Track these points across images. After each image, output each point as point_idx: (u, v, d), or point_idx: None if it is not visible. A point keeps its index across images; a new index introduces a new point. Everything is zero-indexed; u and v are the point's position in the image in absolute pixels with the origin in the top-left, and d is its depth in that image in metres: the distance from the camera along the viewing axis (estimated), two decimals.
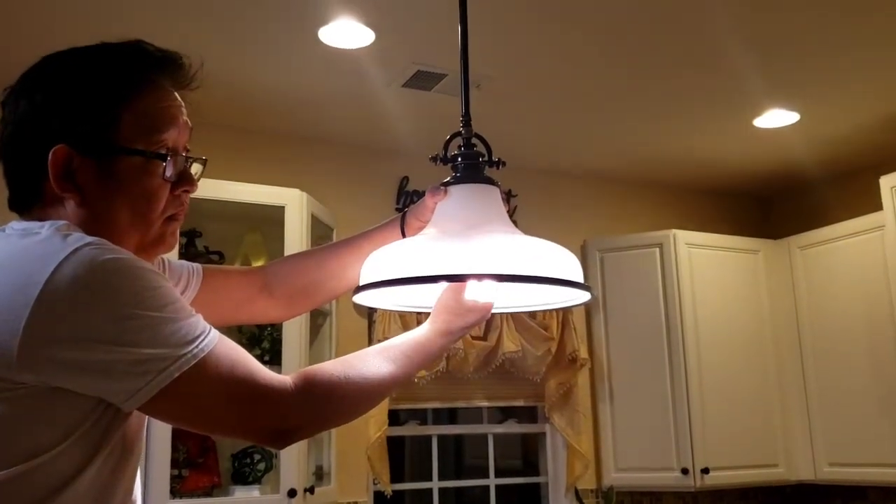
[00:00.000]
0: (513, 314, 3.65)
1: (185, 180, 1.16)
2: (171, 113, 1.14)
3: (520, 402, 3.84)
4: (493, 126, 3.51)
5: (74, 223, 1.07)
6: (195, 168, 1.19)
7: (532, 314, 3.70)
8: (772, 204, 4.71)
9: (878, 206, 3.64)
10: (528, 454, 4.14)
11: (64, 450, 0.97)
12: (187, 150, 1.17)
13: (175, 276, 1.39)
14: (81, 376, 0.96)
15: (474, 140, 1.39)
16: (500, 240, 1.28)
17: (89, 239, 0.99)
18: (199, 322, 1.03)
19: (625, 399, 3.88)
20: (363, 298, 1.34)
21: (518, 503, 4.00)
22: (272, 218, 3.16)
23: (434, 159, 1.39)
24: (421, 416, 3.76)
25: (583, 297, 1.30)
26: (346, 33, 2.70)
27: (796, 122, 3.57)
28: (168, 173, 1.11)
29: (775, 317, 4.07)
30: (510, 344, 3.61)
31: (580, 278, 1.26)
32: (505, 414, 3.96)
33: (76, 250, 0.97)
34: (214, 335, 1.04)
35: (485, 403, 3.77)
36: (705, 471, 3.69)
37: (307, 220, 3.17)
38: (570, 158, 4.00)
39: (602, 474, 3.87)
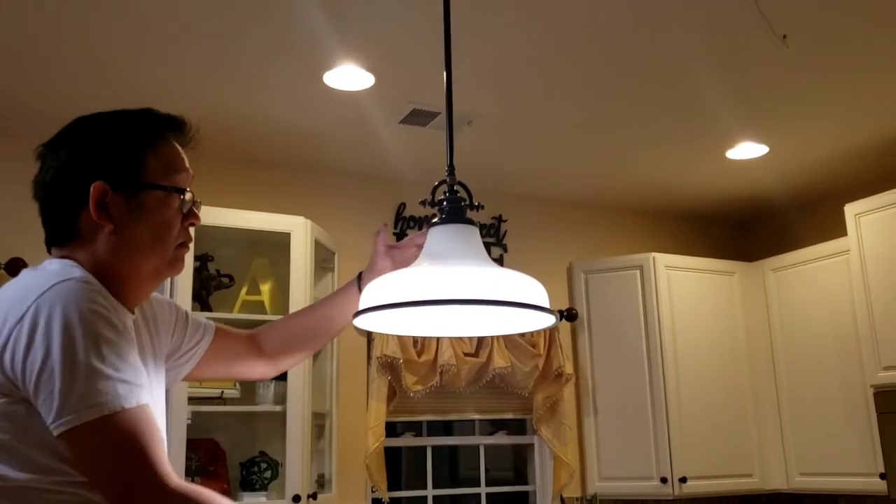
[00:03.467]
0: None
1: (192, 214, 1.42)
2: (181, 160, 1.41)
3: (509, 415, 4.09)
4: (486, 157, 3.83)
5: (105, 250, 1.31)
6: (196, 208, 1.45)
7: (521, 333, 3.95)
8: (746, 228, 4.97)
9: (843, 232, 3.90)
10: (517, 464, 4.37)
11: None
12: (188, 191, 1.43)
13: (194, 327, 1.63)
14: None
15: (457, 187, 1.64)
16: (477, 271, 1.54)
17: (77, 276, 1.22)
18: (130, 387, 1.17)
19: (608, 412, 4.13)
20: (361, 323, 1.60)
21: None
22: (279, 243, 3.41)
23: (423, 203, 1.64)
24: (416, 428, 4.00)
25: (549, 320, 1.55)
26: (349, 77, 2.97)
27: (766, 154, 3.84)
28: (185, 206, 1.38)
29: (749, 334, 4.32)
30: (500, 360, 3.86)
31: (546, 304, 1.52)
32: (496, 426, 4.19)
33: (55, 285, 1.19)
34: (134, 403, 1.16)
35: (476, 416, 4.02)
36: (683, 480, 3.93)
37: (311, 245, 3.43)
38: (557, 186, 4.27)
39: (586, 483, 4.11)
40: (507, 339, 3.93)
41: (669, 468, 3.94)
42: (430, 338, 3.78)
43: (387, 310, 1.53)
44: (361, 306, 1.58)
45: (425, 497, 3.90)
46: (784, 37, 2.41)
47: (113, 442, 1.15)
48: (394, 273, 1.58)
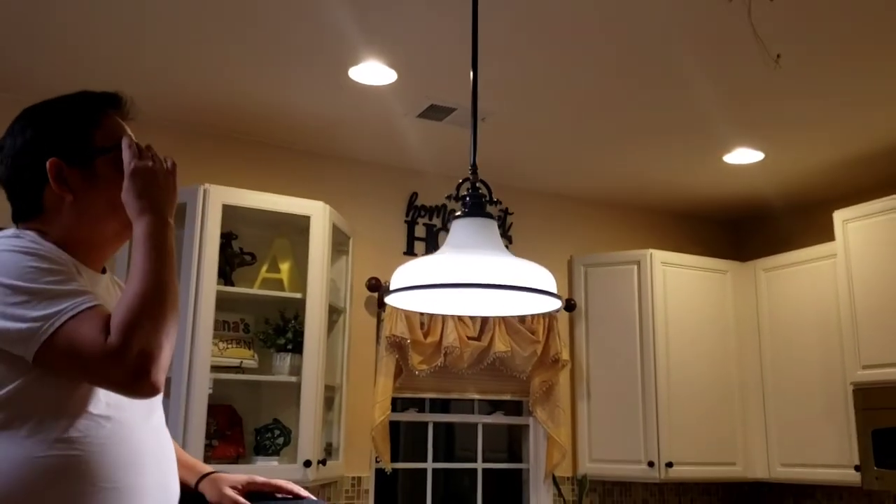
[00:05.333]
0: (505, 319, 4.13)
1: None
2: (124, 129, 1.52)
3: (507, 397, 4.31)
4: (496, 153, 4.03)
5: (68, 220, 1.43)
6: None
7: (521, 319, 4.17)
8: (739, 229, 5.18)
9: (832, 237, 4.12)
10: (512, 444, 4.59)
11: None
12: None
13: None
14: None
15: (479, 184, 1.86)
16: (495, 259, 1.75)
17: (15, 232, 1.39)
18: (74, 296, 1.29)
19: (600, 398, 4.36)
20: (392, 301, 1.82)
21: (501, 488, 4.45)
22: (298, 225, 3.62)
23: (449, 198, 1.85)
24: (419, 405, 4.22)
25: (556, 304, 1.77)
26: (373, 72, 3.17)
27: (761, 160, 4.05)
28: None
29: (739, 330, 4.55)
30: (501, 345, 4.08)
31: (554, 290, 1.73)
32: (493, 407, 4.42)
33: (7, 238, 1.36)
34: (82, 306, 1.28)
35: (476, 396, 4.24)
36: (669, 465, 4.16)
37: (329, 229, 3.63)
38: (562, 183, 4.48)
39: (577, 464, 4.35)
40: (508, 325, 4.15)
41: (657, 453, 4.17)
42: (436, 321, 4.00)
43: (415, 290, 1.76)
44: (393, 287, 1.80)
45: (425, 469, 4.12)
46: (778, 57, 2.60)
47: (66, 350, 1.26)
48: (422, 259, 1.79)
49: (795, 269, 4.39)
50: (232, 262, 3.58)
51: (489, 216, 1.83)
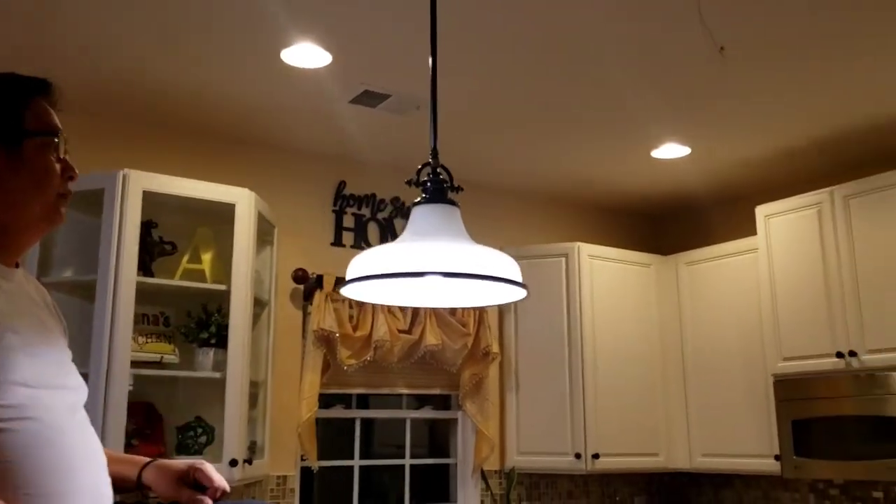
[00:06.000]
0: (436, 311, 4.05)
1: (69, 167, 1.46)
2: (54, 118, 1.46)
3: (436, 391, 4.24)
4: (425, 141, 3.90)
5: None
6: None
7: (452, 311, 4.11)
8: (663, 223, 5.26)
9: (754, 232, 4.21)
10: (434, 439, 4.51)
11: None
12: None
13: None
14: None
15: (439, 169, 1.77)
16: (458, 247, 1.67)
17: None
18: None
19: (528, 390, 4.34)
20: (348, 292, 1.72)
21: (426, 483, 4.38)
22: (222, 214, 3.45)
23: (409, 183, 1.76)
24: (345, 401, 4.10)
25: (521, 293, 1.70)
26: (306, 55, 3.04)
27: (688, 155, 4.10)
28: (60, 151, 1.43)
29: (662, 323, 4.60)
30: (432, 338, 4.00)
31: (519, 279, 1.67)
32: (419, 401, 4.34)
33: None
34: None
35: (405, 391, 4.16)
36: (596, 456, 4.18)
37: (254, 218, 3.48)
38: (494, 175, 4.43)
39: (505, 457, 4.32)
40: (439, 318, 4.08)
41: (584, 445, 4.18)
42: (365, 313, 3.90)
43: (373, 280, 1.66)
44: (348, 277, 1.70)
45: (352, 467, 4.01)
46: (721, 48, 2.61)
47: None
48: (380, 247, 1.70)
49: (717, 263, 4.47)
50: (152, 251, 3.39)
51: (451, 202, 1.75)
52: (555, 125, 3.74)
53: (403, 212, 4.25)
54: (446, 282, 1.73)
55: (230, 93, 3.38)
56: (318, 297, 3.79)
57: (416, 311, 4.04)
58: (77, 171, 1.48)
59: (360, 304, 3.94)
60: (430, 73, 1.87)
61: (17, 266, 1.45)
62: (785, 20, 2.76)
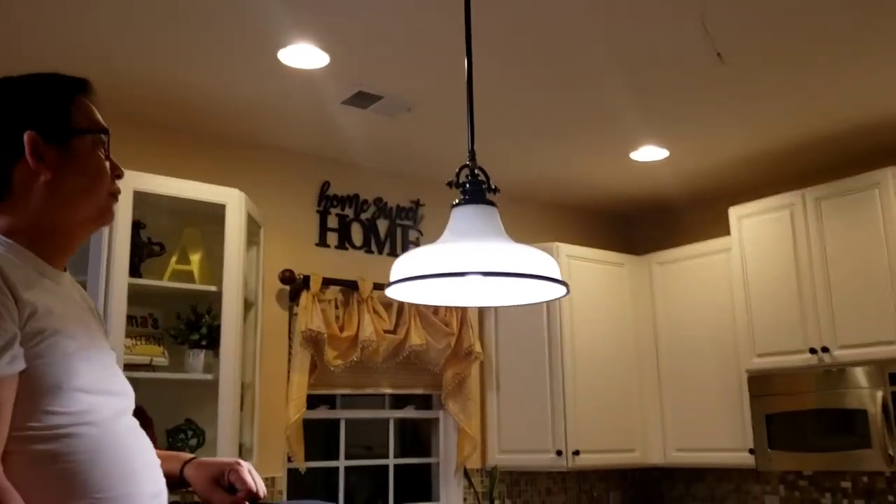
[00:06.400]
0: (420, 311, 4.08)
1: (116, 166, 1.45)
2: (98, 115, 1.44)
3: (419, 391, 4.26)
4: (416, 143, 3.95)
5: (37, 202, 1.33)
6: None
7: (435, 311, 4.14)
8: (635, 223, 5.36)
9: (727, 232, 4.33)
10: (410, 439, 4.50)
11: None
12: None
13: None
14: None
15: (477, 170, 1.80)
16: (498, 246, 1.71)
17: None
18: None
19: (509, 389, 4.39)
20: (392, 293, 1.74)
21: (404, 483, 4.39)
22: (210, 214, 3.42)
23: (449, 185, 1.79)
24: (328, 401, 4.09)
25: (561, 291, 1.74)
26: (304, 55, 3.04)
27: (666, 158, 4.20)
28: (107, 150, 1.41)
29: (637, 323, 4.70)
30: (416, 338, 4.03)
31: (559, 276, 1.70)
32: (400, 401, 4.34)
33: None
34: None
35: (389, 391, 4.17)
36: (576, 453, 4.25)
37: (244, 218, 3.46)
38: None
39: (487, 455, 4.36)
40: (423, 318, 4.10)
41: (564, 442, 4.25)
42: (351, 314, 3.90)
43: (417, 280, 1.69)
44: (392, 278, 1.72)
45: (337, 468, 4.01)
46: (719, 54, 2.70)
47: None
48: (422, 248, 1.72)
49: (690, 263, 4.59)
50: (141, 252, 3.34)
51: (490, 203, 1.78)
52: (535, 127, 3.79)
53: (386, 212, 4.27)
54: (487, 281, 1.77)
55: (222, 92, 3.36)
56: (305, 297, 3.78)
57: (400, 311, 4.06)
58: (123, 170, 1.47)
59: (346, 305, 3.95)
60: (466, 75, 1.90)
61: (64, 269, 1.43)
62: (763, 28, 2.85)
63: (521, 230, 4.76)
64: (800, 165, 4.31)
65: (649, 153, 4.16)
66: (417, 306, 4.09)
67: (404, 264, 1.70)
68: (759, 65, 3.16)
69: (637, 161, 4.26)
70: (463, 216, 1.77)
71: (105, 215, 1.44)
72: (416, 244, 4.35)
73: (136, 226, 3.34)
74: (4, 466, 1.18)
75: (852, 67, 3.22)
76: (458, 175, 1.79)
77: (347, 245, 4.12)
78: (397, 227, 4.31)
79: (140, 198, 3.25)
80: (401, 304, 4.08)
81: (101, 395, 1.32)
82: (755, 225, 4.19)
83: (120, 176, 1.46)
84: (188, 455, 1.61)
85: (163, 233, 3.48)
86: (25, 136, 1.32)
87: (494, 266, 1.65)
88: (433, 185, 4.43)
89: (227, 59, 3.06)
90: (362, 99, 3.42)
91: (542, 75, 3.23)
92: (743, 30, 2.85)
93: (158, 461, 1.43)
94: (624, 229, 5.35)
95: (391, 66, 3.14)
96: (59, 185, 1.35)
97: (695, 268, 4.56)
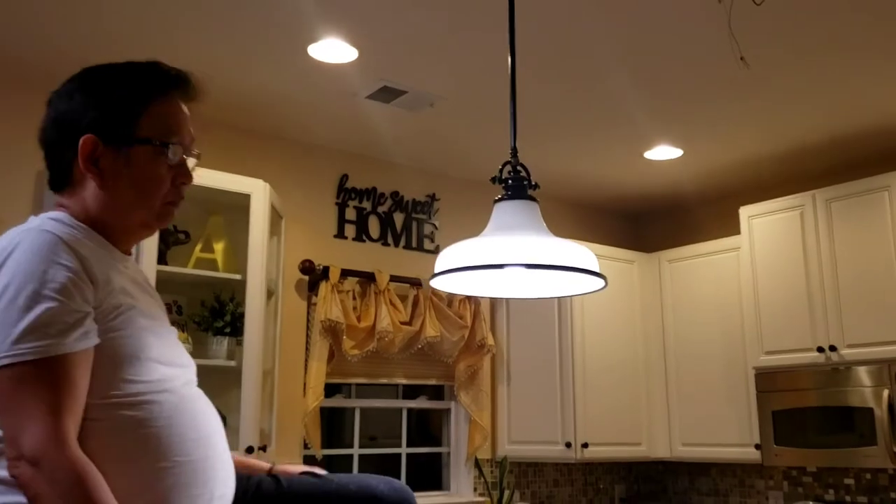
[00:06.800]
0: (434, 304, 4.15)
1: (183, 173, 1.43)
2: (179, 120, 1.43)
3: (433, 381, 4.34)
4: (433, 138, 4.00)
5: (92, 201, 1.36)
6: (191, 163, 1.47)
7: (449, 304, 4.21)
8: (645, 221, 5.44)
9: (737, 231, 4.41)
10: (424, 428, 4.57)
11: None
12: (189, 149, 1.45)
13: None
14: None
15: (519, 167, 1.87)
16: (540, 240, 1.77)
17: (48, 227, 1.29)
18: (52, 335, 1.20)
19: (520, 382, 4.47)
20: (437, 284, 1.81)
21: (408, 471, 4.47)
22: (234, 204, 3.49)
23: (493, 180, 1.86)
24: (342, 391, 4.16)
25: (600, 283, 1.81)
26: (333, 50, 3.10)
27: (680, 157, 4.27)
28: (172, 158, 1.39)
29: (646, 319, 4.78)
30: (431, 330, 4.10)
31: (597, 269, 1.77)
32: (410, 391, 4.41)
33: (26, 231, 1.29)
34: (54, 352, 1.20)
35: (403, 381, 4.24)
36: (585, 445, 4.33)
37: (268, 208, 3.53)
38: (490, 171, 4.51)
39: (496, 446, 4.44)
40: (438, 311, 4.18)
41: (574, 434, 4.32)
42: (368, 305, 3.97)
43: (460, 272, 1.76)
44: (437, 269, 1.79)
45: (351, 455, 4.09)
46: (742, 58, 2.77)
47: (22, 390, 1.19)
48: (467, 241, 1.79)
49: (700, 261, 4.67)
50: (167, 240, 3.41)
51: (531, 198, 1.85)
52: (550, 124, 3.86)
53: (402, 206, 4.33)
54: (528, 273, 1.84)
55: (252, 86, 3.42)
56: (325, 287, 3.85)
57: (415, 302, 4.13)
58: (192, 176, 1.45)
59: (363, 296, 4.01)
60: (510, 72, 1.97)
61: (130, 254, 1.49)
62: (779, 33, 2.93)
63: None
64: (810, 167, 4.39)
65: (663, 152, 4.23)
66: (432, 299, 4.16)
67: (449, 256, 1.76)
68: (775, 68, 3.23)
69: (651, 160, 4.33)
70: (505, 211, 1.83)
71: (159, 221, 1.45)
72: (431, 238, 4.42)
73: None
74: (87, 434, 1.24)
75: (864, 73, 3.29)
76: (500, 171, 1.86)
77: (365, 237, 4.19)
78: (413, 221, 4.37)
79: None
80: (416, 296, 4.15)
81: (172, 367, 1.39)
82: (765, 224, 4.26)
83: (185, 183, 1.45)
84: (266, 465, 1.71)
85: (188, 221, 3.53)
86: (81, 141, 1.35)
87: (536, 259, 1.72)
88: (448, 180, 4.50)
89: (258, 54, 3.12)
90: (387, 94, 3.48)
91: (559, 75, 3.29)
92: (761, 34, 2.92)
93: (222, 429, 1.49)
94: (634, 226, 5.42)
95: (417, 61, 3.21)
96: (111, 191, 1.37)
97: (704, 266, 4.64)
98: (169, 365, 1.38)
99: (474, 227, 4.43)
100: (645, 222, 5.45)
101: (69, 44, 3.02)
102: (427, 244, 4.40)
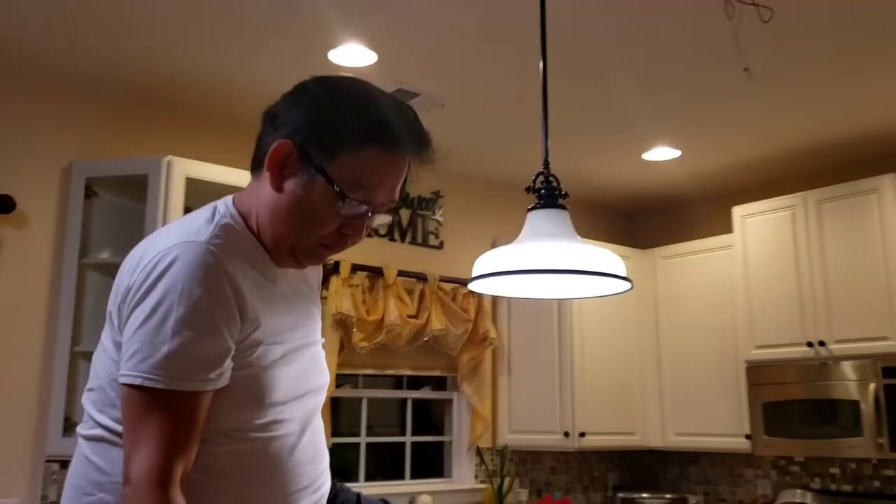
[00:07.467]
0: (440, 298, 4.29)
1: (355, 227, 1.34)
2: (381, 178, 1.33)
3: (437, 373, 4.48)
4: (447, 139, 4.10)
5: (264, 201, 1.33)
6: (380, 220, 1.42)
7: (453, 298, 4.35)
8: (640, 219, 5.60)
9: (729, 229, 4.58)
10: (425, 417, 4.72)
11: None
12: (381, 207, 1.36)
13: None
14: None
15: (551, 177, 2.01)
16: (571, 246, 1.91)
17: (205, 239, 1.27)
18: (189, 374, 1.21)
19: (520, 373, 4.62)
20: (476, 287, 1.95)
21: (386, 460, 4.61)
22: None
23: (527, 190, 1.99)
24: (350, 380, 4.29)
25: (626, 286, 1.95)
26: (353, 54, 3.21)
27: (678, 157, 4.43)
28: (341, 208, 1.30)
29: (640, 314, 4.94)
30: (437, 323, 4.24)
31: (624, 273, 1.92)
32: (414, 382, 4.55)
33: (183, 244, 1.26)
34: (182, 388, 1.20)
35: (409, 372, 4.38)
36: (582, 434, 4.49)
37: None
38: (492, 169, 4.65)
39: (497, 435, 4.59)
40: (443, 305, 4.31)
41: (572, 424, 4.48)
42: (377, 299, 4.10)
43: (498, 276, 1.90)
44: (475, 273, 1.93)
45: (358, 444, 4.22)
46: (746, 69, 2.92)
47: (145, 415, 1.21)
48: (503, 248, 1.92)
49: (693, 258, 4.83)
50: None
51: (562, 207, 1.99)
52: (552, 125, 3.94)
53: (408, 202, 4.46)
54: (560, 276, 1.98)
55: (272, 89, 3.50)
56: (336, 282, 3.97)
57: (422, 296, 4.27)
58: (362, 234, 1.36)
59: (371, 290, 4.14)
60: (541, 81, 2.10)
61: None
62: (778, 42, 3.07)
63: (519, 223, 4.95)
64: (803, 169, 4.56)
65: (662, 153, 4.38)
66: (437, 293, 4.30)
67: (487, 261, 1.90)
68: (773, 75, 3.38)
69: (649, 161, 4.48)
70: (538, 219, 1.97)
71: (304, 256, 1.37)
72: (436, 234, 4.55)
73: (187, 212, 3.51)
74: (198, 463, 1.25)
75: (855, 81, 3.45)
76: (534, 181, 1.99)
77: (372, 233, 4.31)
78: (418, 217, 4.50)
79: (190, 184, 3.41)
80: (422, 290, 4.28)
81: (293, 402, 1.37)
82: (758, 224, 4.43)
83: (350, 237, 1.36)
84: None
85: None
86: (278, 143, 1.30)
87: (568, 264, 1.86)
88: (452, 177, 4.63)
89: (280, 58, 3.24)
90: (401, 95, 3.59)
91: (561, 76, 3.41)
92: (761, 44, 3.07)
93: (327, 460, 1.48)
94: (630, 224, 5.58)
95: (432, 65, 3.33)
96: (279, 201, 1.32)
97: (698, 262, 4.81)
98: (291, 401, 1.36)
99: (477, 223, 4.64)
100: (640, 220, 5.61)
101: (98, 41, 3.11)
102: (432, 240, 4.53)
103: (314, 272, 1.56)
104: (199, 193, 3.55)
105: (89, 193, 3.44)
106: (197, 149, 3.65)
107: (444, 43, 3.16)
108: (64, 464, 3.30)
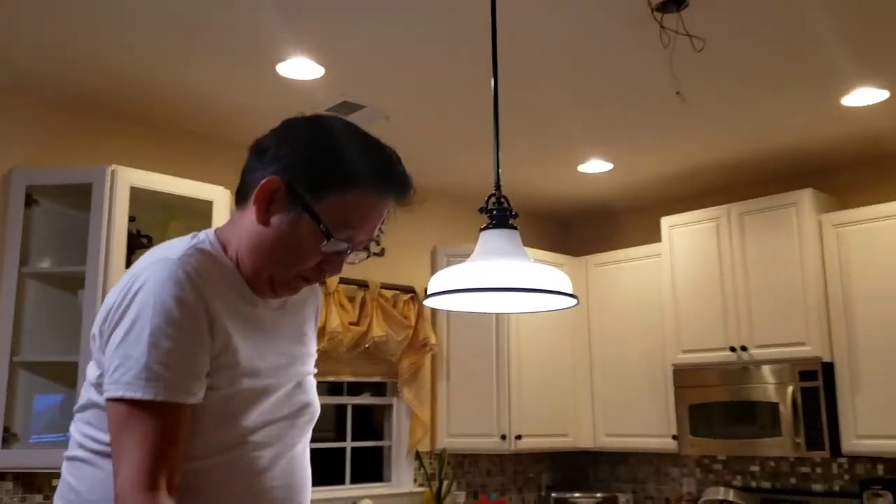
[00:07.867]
0: (381, 305, 4.36)
1: (333, 262, 1.40)
2: (364, 218, 1.39)
3: (377, 379, 4.56)
4: (396, 149, 4.17)
5: (245, 233, 1.37)
6: (357, 257, 1.47)
7: (394, 304, 4.44)
8: (573, 227, 5.78)
9: (658, 239, 4.78)
10: (364, 423, 4.80)
11: None
12: (360, 245, 1.43)
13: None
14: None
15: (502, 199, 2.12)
16: (520, 264, 2.03)
17: (176, 257, 1.32)
18: (169, 381, 1.24)
19: (459, 378, 4.73)
20: (431, 303, 2.04)
21: (328, 465, 4.68)
22: (195, 210, 3.62)
23: (480, 210, 2.09)
24: None
25: (572, 301, 2.07)
26: (300, 68, 3.27)
27: (610, 170, 4.61)
28: (325, 247, 1.35)
29: (573, 320, 5.11)
30: (378, 330, 4.32)
31: (570, 290, 2.04)
32: (354, 388, 4.62)
33: (157, 261, 1.32)
34: (161, 399, 1.24)
35: (350, 378, 4.45)
36: (518, 437, 4.63)
37: (230, 214, 3.67)
38: (431, 178, 4.74)
39: (436, 439, 4.70)
40: (384, 311, 4.39)
41: (508, 427, 4.62)
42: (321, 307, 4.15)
43: (451, 294, 2.00)
44: (430, 290, 2.02)
45: None
46: (678, 92, 3.09)
47: (129, 426, 1.25)
48: (457, 266, 2.02)
49: (624, 266, 5.03)
50: (131, 245, 3.51)
51: (513, 227, 2.10)
52: (490, 135, 4.10)
53: None
54: (510, 293, 2.09)
55: (220, 99, 3.56)
56: None
57: (363, 304, 4.34)
58: (340, 269, 1.41)
59: None
60: (493, 99, 2.20)
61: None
62: (706, 64, 3.25)
63: (459, 231, 5.08)
64: (728, 183, 4.80)
65: (595, 166, 4.55)
66: (378, 300, 4.38)
67: (442, 279, 2.00)
68: (702, 94, 3.57)
69: (583, 172, 4.65)
70: (490, 239, 2.08)
71: (282, 288, 1.41)
72: (377, 241, 4.60)
73: (131, 219, 3.51)
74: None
75: (776, 101, 3.67)
76: (486, 202, 2.10)
77: None
78: None
79: (134, 193, 3.42)
80: (364, 297, 4.36)
81: (270, 426, 1.39)
82: (684, 234, 4.65)
83: (328, 272, 1.42)
84: None
85: (150, 225, 3.64)
86: (267, 178, 1.33)
87: (521, 282, 1.97)
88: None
89: (228, 71, 3.27)
90: (346, 108, 3.67)
91: (501, 92, 3.54)
92: (688, 66, 3.24)
93: (308, 486, 1.49)
94: (564, 231, 5.76)
95: (376, 78, 3.41)
96: (263, 237, 1.36)
97: (628, 270, 5.00)
98: (262, 427, 1.38)
99: (418, 231, 4.71)
100: (575, 228, 5.79)
101: (37, 46, 3.10)
102: (373, 247, 4.58)
103: (313, 296, 1.59)
104: (143, 202, 3.57)
105: (30, 201, 3.41)
106: (141, 158, 3.65)
107: (389, 57, 3.24)
108: (3, 475, 3.27)
